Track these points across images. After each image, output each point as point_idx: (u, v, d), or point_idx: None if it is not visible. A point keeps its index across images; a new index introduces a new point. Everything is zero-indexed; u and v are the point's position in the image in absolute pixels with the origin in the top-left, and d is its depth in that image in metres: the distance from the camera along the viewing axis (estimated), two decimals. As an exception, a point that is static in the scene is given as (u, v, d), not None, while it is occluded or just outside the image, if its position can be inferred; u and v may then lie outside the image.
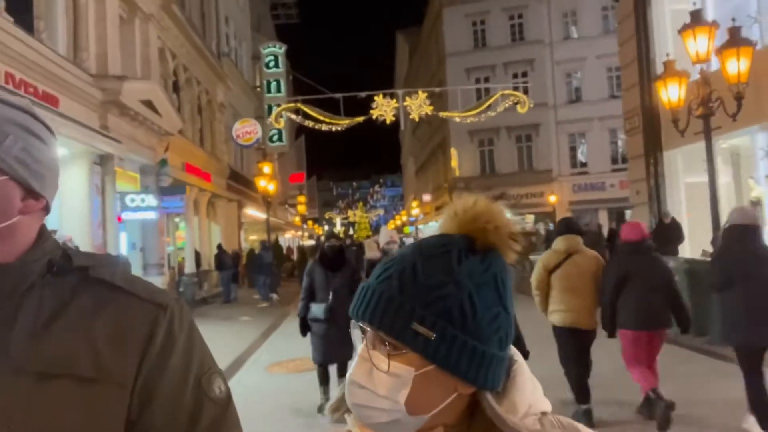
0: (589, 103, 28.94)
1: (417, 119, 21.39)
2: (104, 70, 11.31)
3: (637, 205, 13.89)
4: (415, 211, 43.40)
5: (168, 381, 0.87)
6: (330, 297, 5.47)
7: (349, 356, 5.65)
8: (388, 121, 20.32)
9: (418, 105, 20.20)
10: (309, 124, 20.44)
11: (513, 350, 0.81)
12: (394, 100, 20.37)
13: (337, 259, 5.68)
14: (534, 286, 5.21)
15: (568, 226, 5.27)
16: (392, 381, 0.74)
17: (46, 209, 0.94)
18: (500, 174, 29.84)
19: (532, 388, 0.78)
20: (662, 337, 5.03)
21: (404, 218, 54.49)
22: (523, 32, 30.37)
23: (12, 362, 0.80)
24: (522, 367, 0.80)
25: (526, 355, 2.97)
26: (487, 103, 21.27)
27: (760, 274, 4.23)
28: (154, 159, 13.43)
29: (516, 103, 21.15)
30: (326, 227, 67.16)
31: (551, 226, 23.55)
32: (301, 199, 39.59)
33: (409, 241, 35.30)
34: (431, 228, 37.21)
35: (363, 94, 20.57)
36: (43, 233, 0.92)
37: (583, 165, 29.68)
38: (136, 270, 12.13)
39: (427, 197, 38.66)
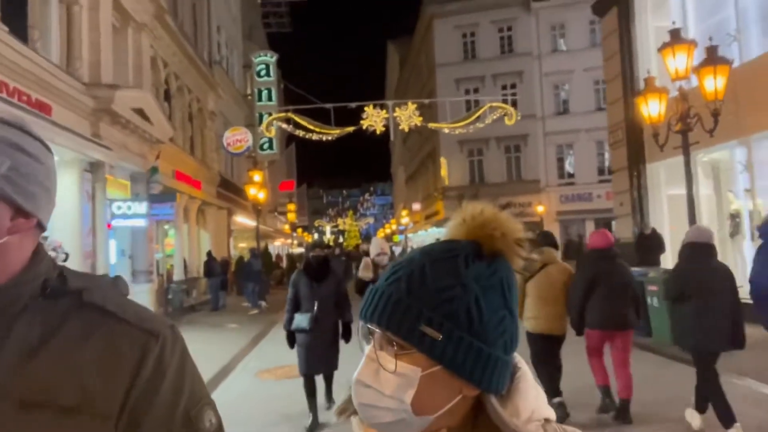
0: (576, 115, 29.37)
1: (407, 130, 21.61)
2: (97, 78, 11.41)
3: (621, 216, 14.15)
4: (405, 220, 43.55)
5: (156, 412, 0.84)
6: (315, 307, 5.40)
7: (334, 367, 5.66)
8: (378, 132, 20.54)
9: (408, 116, 20.44)
10: (300, 133, 20.59)
11: (517, 357, 0.82)
12: (384, 111, 20.59)
13: (322, 269, 5.61)
14: None
15: (545, 239, 5.66)
16: (399, 381, 0.74)
17: (41, 228, 0.91)
18: (489, 184, 30.14)
19: (535, 395, 0.78)
20: (626, 336, 5.41)
21: (394, 227, 54.63)
22: (512, 44, 30.81)
23: None
24: (526, 374, 0.81)
25: None
26: (475, 115, 21.56)
27: (713, 288, 4.65)
28: (145, 166, 13.51)
29: (504, 115, 21.45)
30: (316, 235, 67.08)
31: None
32: (291, 206, 39.64)
33: (398, 250, 35.43)
34: (420, 237, 37.36)
35: (353, 105, 20.78)
36: (39, 253, 0.89)
37: (571, 176, 30.04)
38: (125, 277, 12.16)
39: (416, 206, 38.84)
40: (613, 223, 19.67)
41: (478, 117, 21.44)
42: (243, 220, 24.99)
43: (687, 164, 8.40)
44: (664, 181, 12.81)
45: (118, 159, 11.67)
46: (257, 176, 20.36)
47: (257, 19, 35.79)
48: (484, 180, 30.74)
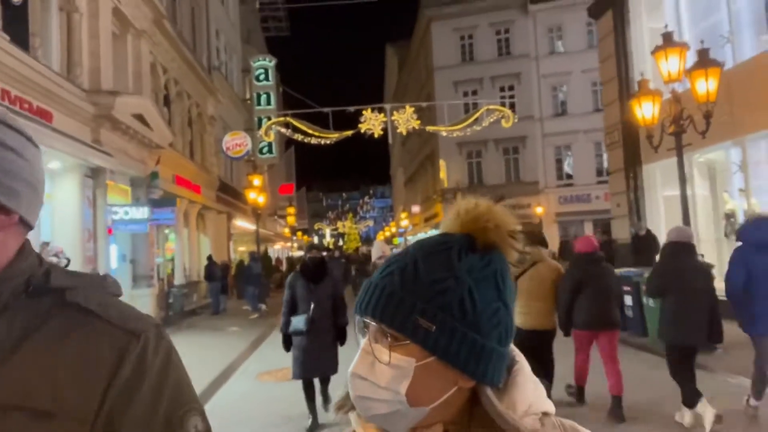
0: (574, 116, 29.46)
1: (405, 133, 21.73)
2: (97, 85, 11.53)
3: (618, 217, 14.24)
4: (404, 222, 43.62)
5: (134, 414, 0.79)
6: (311, 308, 5.35)
7: (333, 370, 5.56)
8: (376, 135, 20.67)
9: (406, 119, 20.57)
10: (298, 137, 20.72)
11: (515, 351, 0.82)
12: (382, 115, 20.72)
13: (319, 270, 5.58)
14: None
15: (534, 238, 5.82)
16: (393, 372, 0.75)
17: (26, 225, 0.87)
18: (488, 185, 30.20)
19: (533, 388, 0.78)
20: (613, 336, 5.59)
21: (393, 229, 54.70)
22: (509, 47, 30.94)
23: None
24: (524, 367, 0.80)
25: None
26: (472, 118, 21.68)
27: (692, 286, 4.82)
28: (145, 172, 13.62)
29: (501, 118, 21.56)
30: (315, 239, 67.12)
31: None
32: (291, 210, 39.72)
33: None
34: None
35: (352, 109, 20.90)
36: (24, 251, 0.85)
37: (569, 177, 30.12)
38: (126, 282, 12.28)
39: (416, 208, 38.90)
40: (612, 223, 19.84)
41: (476, 120, 21.56)
42: (243, 223, 25.09)
43: (680, 166, 8.50)
44: (660, 182, 12.90)
45: (119, 165, 11.78)
46: (257, 180, 20.47)
47: (256, 23, 35.91)
48: (483, 182, 30.82)
